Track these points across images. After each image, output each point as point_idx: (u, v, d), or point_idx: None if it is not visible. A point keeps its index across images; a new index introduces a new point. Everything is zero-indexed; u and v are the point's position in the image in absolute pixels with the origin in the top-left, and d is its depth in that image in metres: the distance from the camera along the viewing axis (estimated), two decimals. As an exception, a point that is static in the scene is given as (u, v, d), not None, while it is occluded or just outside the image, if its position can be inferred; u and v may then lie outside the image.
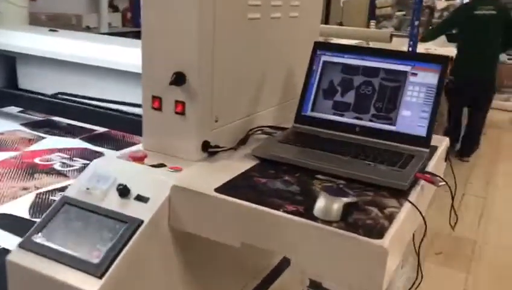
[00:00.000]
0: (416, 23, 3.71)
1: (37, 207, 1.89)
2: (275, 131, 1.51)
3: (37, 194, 2.00)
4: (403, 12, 8.28)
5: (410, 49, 3.72)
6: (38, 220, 1.92)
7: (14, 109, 3.18)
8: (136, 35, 5.92)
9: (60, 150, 2.50)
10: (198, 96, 1.25)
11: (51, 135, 2.75)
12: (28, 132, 2.76)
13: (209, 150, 1.32)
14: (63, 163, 2.34)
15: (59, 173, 2.22)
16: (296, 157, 1.27)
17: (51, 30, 3.50)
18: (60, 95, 3.11)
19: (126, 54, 2.88)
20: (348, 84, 1.47)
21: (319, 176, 1.21)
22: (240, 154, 1.37)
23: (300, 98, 1.52)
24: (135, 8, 5.85)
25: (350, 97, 1.46)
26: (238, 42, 1.38)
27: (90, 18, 5.30)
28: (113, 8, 5.84)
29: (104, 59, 2.86)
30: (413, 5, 3.79)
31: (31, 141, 2.62)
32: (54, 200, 1.96)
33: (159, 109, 1.31)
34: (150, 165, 1.28)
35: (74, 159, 2.40)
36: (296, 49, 1.70)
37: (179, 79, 1.23)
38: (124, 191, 1.14)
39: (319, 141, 1.40)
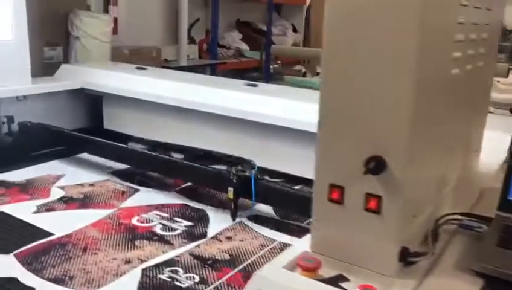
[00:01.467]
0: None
1: (143, 287, 1.60)
2: (478, 223, 1.14)
3: (142, 270, 1.72)
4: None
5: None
6: (150, 310, 1.65)
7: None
8: (213, 68, 5.75)
9: (157, 207, 2.23)
10: (401, 188, 0.91)
11: (145, 186, 2.49)
12: (119, 182, 2.52)
13: (408, 259, 0.96)
14: (163, 225, 2.05)
15: (162, 239, 1.94)
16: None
17: (138, 68, 3.30)
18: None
19: (227, 97, 2.61)
20: None
21: None
22: (443, 263, 1.00)
23: (506, 176, 1.14)
24: (212, 39, 5.67)
25: None
26: (440, 108, 1.04)
27: (168, 50, 5.14)
28: (190, 39, 5.68)
29: (208, 103, 2.60)
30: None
31: (124, 194, 2.37)
32: (164, 280, 1.66)
33: (339, 202, 0.97)
34: (327, 279, 0.94)
35: (174, 219, 2.12)
36: (481, 105, 1.34)
37: (377, 166, 0.90)
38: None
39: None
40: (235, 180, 2.07)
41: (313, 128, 2.37)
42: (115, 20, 4.40)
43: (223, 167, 2.42)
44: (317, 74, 7.08)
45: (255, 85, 2.79)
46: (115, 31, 4.37)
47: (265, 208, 2.29)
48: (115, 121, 3.24)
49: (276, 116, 2.38)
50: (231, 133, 2.71)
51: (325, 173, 0.98)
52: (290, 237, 2.00)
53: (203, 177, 2.33)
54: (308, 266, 0.96)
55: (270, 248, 1.90)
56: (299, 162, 2.54)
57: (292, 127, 2.36)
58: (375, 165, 0.89)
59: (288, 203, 2.09)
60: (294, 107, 2.37)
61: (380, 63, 0.88)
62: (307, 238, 1.06)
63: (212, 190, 2.41)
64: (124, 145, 2.75)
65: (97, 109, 3.30)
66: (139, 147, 3.13)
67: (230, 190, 2.06)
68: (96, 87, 3.12)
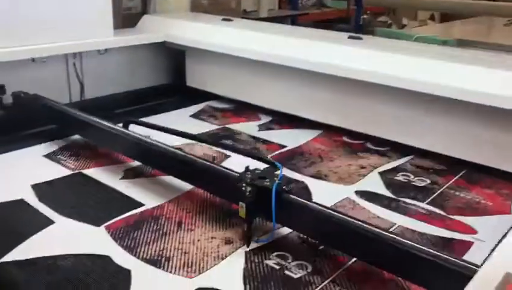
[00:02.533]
0: None
1: (250, 276, 1.38)
2: None
3: (246, 253, 1.51)
4: None
5: None
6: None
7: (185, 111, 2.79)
8: (294, 19, 5.37)
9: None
10: None
11: (233, 151, 2.25)
12: (207, 147, 2.30)
13: None
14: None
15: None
16: None
17: (224, 19, 3.03)
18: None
19: (331, 52, 2.30)
20: None
21: None
22: None
23: None
24: (293, -11, 5.29)
25: None
26: None
27: (247, 1, 4.83)
28: (269, -12, 5.32)
29: (309, 60, 2.29)
30: None
31: (215, 160, 2.16)
32: (272, 268, 1.43)
33: None
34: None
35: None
36: None
37: None
38: None
39: None
40: (248, 193, 1.49)
41: (439, 91, 2.01)
42: (194, -33, 4.13)
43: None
44: (404, 25, 6.52)
45: (359, 38, 2.44)
46: (194, -20, 4.11)
47: (373, 182, 2.00)
48: (198, 77, 3.02)
49: (397, 76, 2.04)
50: (327, 93, 2.40)
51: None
52: (410, 219, 1.72)
53: (207, 178, 1.75)
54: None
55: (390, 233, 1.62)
56: (408, 128, 2.23)
57: (410, 88, 2.03)
58: None
59: (323, 230, 1.47)
60: (413, 64, 2.02)
61: None
62: (503, 254, 0.77)
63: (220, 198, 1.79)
64: (125, 130, 2.06)
65: (180, 64, 3.08)
66: (222, 107, 2.92)
67: (242, 205, 1.50)
68: (180, 41, 2.89)
